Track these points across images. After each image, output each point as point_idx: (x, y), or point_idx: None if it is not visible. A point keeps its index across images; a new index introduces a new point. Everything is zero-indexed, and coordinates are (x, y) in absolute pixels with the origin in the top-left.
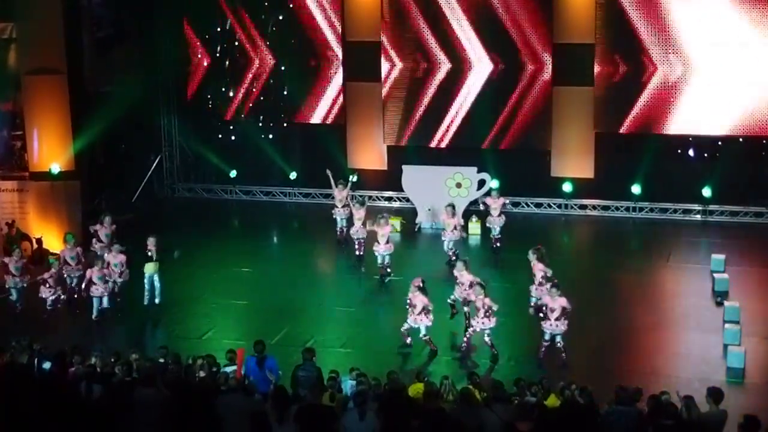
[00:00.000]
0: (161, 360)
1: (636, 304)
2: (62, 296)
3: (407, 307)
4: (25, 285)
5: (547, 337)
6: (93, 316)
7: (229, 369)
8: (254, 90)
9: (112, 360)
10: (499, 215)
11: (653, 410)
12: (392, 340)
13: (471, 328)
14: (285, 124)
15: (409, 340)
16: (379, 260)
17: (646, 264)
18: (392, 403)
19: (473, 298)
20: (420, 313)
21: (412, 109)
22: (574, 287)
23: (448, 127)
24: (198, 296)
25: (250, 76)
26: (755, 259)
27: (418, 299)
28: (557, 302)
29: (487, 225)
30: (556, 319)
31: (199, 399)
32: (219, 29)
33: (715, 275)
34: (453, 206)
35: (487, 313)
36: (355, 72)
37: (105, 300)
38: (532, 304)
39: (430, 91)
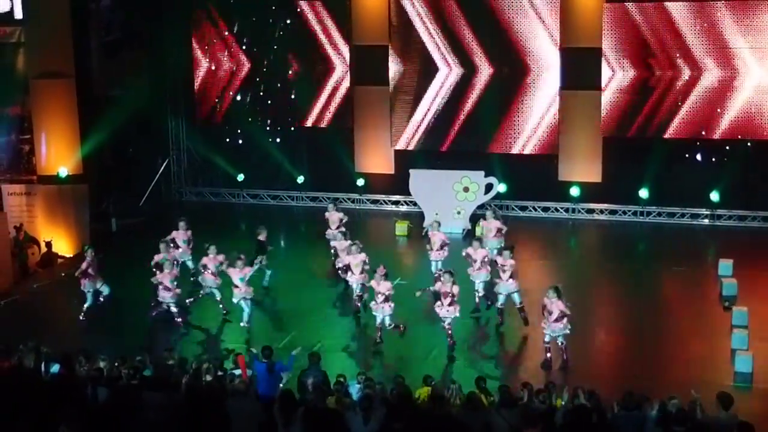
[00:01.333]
0: (170, 362)
1: (643, 309)
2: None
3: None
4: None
5: (547, 339)
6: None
7: (236, 372)
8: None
9: (116, 364)
10: (480, 268)
11: (662, 416)
12: (399, 345)
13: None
14: (292, 128)
15: (379, 334)
16: (357, 289)
17: (653, 268)
18: (399, 408)
19: (501, 262)
20: (382, 302)
21: (419, 113)
22: (581, 291)
23: (456, 131)
24: (204, 299)
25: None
26: (763, 264)
27: (382, 287)
28: (555, 305)
29: (471, 279)
30: (555, 321)
31: (206, 402)
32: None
33: (723, 280)
34: (438, 223)
35: (452, 302)
36: (362, 76)
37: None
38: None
39: (438, 94)
